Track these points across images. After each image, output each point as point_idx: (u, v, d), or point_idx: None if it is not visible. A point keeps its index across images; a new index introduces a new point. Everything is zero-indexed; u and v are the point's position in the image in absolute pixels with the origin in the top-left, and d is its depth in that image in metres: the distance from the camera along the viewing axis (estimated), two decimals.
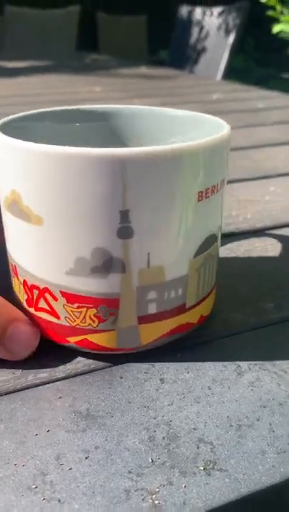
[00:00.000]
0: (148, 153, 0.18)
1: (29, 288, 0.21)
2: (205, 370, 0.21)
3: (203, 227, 0.21)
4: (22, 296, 0.22)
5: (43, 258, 0.20)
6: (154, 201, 0.19)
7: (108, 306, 0.20)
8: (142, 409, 0.19)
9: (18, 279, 0.22)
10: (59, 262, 0.20)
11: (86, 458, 0.17)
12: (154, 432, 0.18)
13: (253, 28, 2.40)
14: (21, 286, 0.22)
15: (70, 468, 0.17)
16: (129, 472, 0.17)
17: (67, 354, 0.22)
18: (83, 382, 0.21)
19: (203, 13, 1.70)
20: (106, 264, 0.20)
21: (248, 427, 0.19)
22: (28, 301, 0.22)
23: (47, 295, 0.21)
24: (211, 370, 0.21)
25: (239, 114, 0.76)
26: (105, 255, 0.19)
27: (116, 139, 0.27)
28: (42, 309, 0.21)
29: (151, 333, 0.22)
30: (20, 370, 0.21)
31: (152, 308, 0.21)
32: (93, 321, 0.21)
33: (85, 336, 0.21)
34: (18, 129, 0.23)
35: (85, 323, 0.21)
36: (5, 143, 0.19)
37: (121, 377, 0.21)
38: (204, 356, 0.22)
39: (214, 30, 1.63)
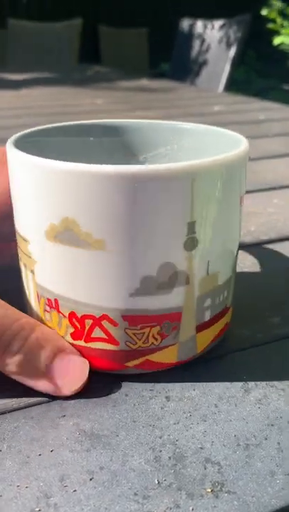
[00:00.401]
0: (215, 163, 0.19)
1: (79, 319, 0.20)
2: (211, 388, 0.21)
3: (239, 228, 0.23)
4: (64, 330, 0.21)
5: (102, 284, 0.19)
6: (215, 209, 0.20)
7: (171, 321, 0.20)
8: (147, 428, 0.19)
9: (59, 313, 0.20)
10: (122, 285, 0.19)
11: (91, 479, 0.17)
12: (160, 451, 0.18)
13: (253, 40, 2.42)
14: (64, 320, 0.20)
15: (75, 490, 0.16)
16: (135, 494, 0.16)
17: None
18: (87, 401, 0.20)
19: (205, 27, 1.72)
20: (172, 279, 0.19)
21: (256, 446, 0.18)
22: (76, 334, 0.20)
23: (104, 322, 0.20)
24: (217, 387, 0.21)
25: (241, 126, 0.76)
26: (171, 269, 0.19)
27: (128, 152, 0.27)
28: (96, 339, 0.20)
29: (205, 340, 0.22)
30: (24, 388, 0.21)
31: (208, 315, 0.21)
32: (156, 340, 0.20)
33: (146, 357, 0.21)
34: (32, 144, 0.23)
35: (147, 343, 0.20)
36: (54, 168, 0.18)
37: (126, 395, 0.21)
38: (210, 373, 0.22)
39: (215, 43, 1.65)
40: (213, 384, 0.21)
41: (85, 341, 0.21)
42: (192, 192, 0.18)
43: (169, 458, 0.18)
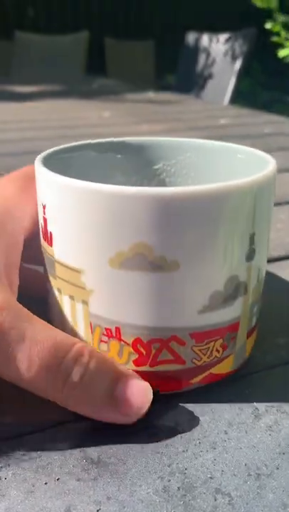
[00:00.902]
0: (270, 177, 0.20)
1: (145, 344, 0.20)
2: (221, 413, 0.21)
3: None
4: (126, 358, 0.20)
5: (172, 305, 0.19)
6: (267, 219, 0.21)
7: (231, 332, 0.21)
8: (155, 456, 0.19)
9: (120, 341, 0.20)
10: (193, 303, 0.19)
11: (98, 510, 0.16)
12: (169, 481, 0.18)
13: (258, 53, 2.44)
14: (127, 348, 0.20)
15: None
16: None
17: None
18: (94, 426, 0.20)
19: (210, 40, 1.73)
20: (235, 291, 0.20)
21: (268, 476, 0.18)
22: (140, 360, 0.20)
23: (172, 343, 0.20)
24: (226, 412, 0.21)
25: (246, 140, 0.76)
26: (236, 281, 0.20)
27: (150, 169, 0.27)
28: (162, 362, 0.20)
29: (250, 345, 0.23)
30: (29, 412, 0.21)
31: (254, 321, 0.23)
32: (218, 352, 0.21)
33: (209, 371, 0.21)
34: (59, 161, 0.23)
35: (211, 357, 0.21)
36: (129, 194, 0.17)
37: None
38: (219, 397, 0.21)
39: (221, 56, 1.66)
40: (223, 409, 0.21)
41: (150, 365, 0.20)
42: (255, 205, 0.19)
43: (178, 488, 0.17)
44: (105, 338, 0.20)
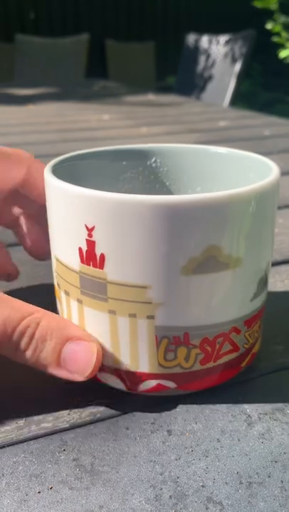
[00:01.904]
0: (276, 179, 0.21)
1: (211, 342, 0.20)
2: (213, 421, 0.21)
3: None
4: (192, 360, 0.21)
5: (235, 298, 0.21)
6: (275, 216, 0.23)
7: (262, 313, 0.23)
8: (148, 464, 0.19)
9: (188, 345, 0.20)
10: (248, 293, 0.21)
11: None
12: (161, 489, 0.18)
13: (259, 53, 2.44)
14: (194, 350, 0.20)
15: None
16: None
17: (72, 401, 0.22)
18: (88, 434, 0.20)
19: (210, 42, 1.73)
20: (267, 276, 0.22)
21: (259, 484, 0.18)
22: (206, 358, 0.21)
23: (232, 334, 0.21)
24: (219, 420, 0.21)
25: (246, 142, 0.76)
26: (268, 264, 0.22)
27: (155, 175, 0.28)
28: (224, 354, 0.21)
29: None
30: (24, 419, 0.21)
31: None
32: (257, 333, 0.23)
33: (251, 352, 0.23)
34: (67, 169, 0.23)
35: (253, 338, 0.23)
36: (206, 201, 0.18)
37: (127, 429, 0.20)
38: (212, 405, 0.22)
39: (221, 58, 1.66)
40: (216, 417, 0.21)
41: (214, 361, 0.21)
42: (275, 201, 0.21)
43: (170, 497, 0.17)
44: (172, 347, 0.20)
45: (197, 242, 0.19)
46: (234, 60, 1.58)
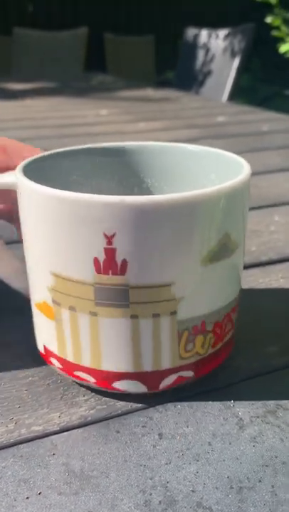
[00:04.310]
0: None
1: (221, 324, 0.22)
2: (205, 424, 0.21)
3: None
4: (207, 345, 0.22)
5: (236, 279, 0.23)
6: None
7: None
8: (138, 469, 0.19)
9: (204, 332, 0.21)
10: (241, 272, 0.23)
11: None
12: (151, 494, 0.17)
13: (258, 47, 2.42)
14: (209, 335, 0.22)
15: None
16: None
17: (63, 404, 0.21)
18: (78, 437, 0.20)
19: (209, 36, 1.72)
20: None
21: (249, 489, 0.18)
22: (217, 340, 0.22)
23: (232, 314, 0.23)
24: (211, 423, 0.21)
25: (243, 138, 0.76)
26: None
27: (131, 173, 0.28)
28: (227, 332, 0.23)
29: None
30: (14, 423, 0.21)
31: None
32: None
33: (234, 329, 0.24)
34: (35, 171, 0.23)
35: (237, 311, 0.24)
36: (217, 193, 0.19)
37: (117, 432, 0.20)
38: (204, 407, 0.21)
39: (220, 52, 1.65)
40: (208, 420, 0.21)
41: (221, 341, 0.23)
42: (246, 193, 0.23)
43: (160, 502, 0.17)
44: (191, 337, 0.21)
45: (213, 233, 0.20)
46: (233, 55, 1.57)
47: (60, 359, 0.22)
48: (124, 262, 0.19)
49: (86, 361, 0.21)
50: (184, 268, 0.20)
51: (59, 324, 0.21)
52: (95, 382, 0.21)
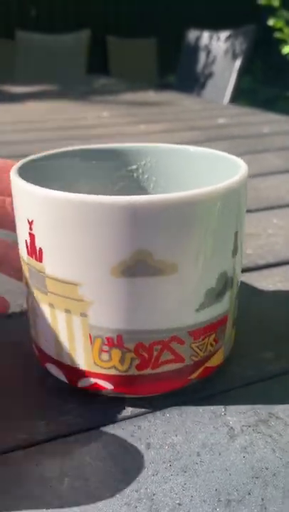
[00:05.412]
0: (244, 179, 0.21)
1: (148, 348, 0.20)
2: (194, 433, 0.20)
3: None
4: (128, 364, 0.20)
5: (173, 306, 0.20)
6: (244, 218, 0.22)
7: (222, 325, 0.22)
8: (124, 480, 0.18)
9: (122, 348, 0.20)
10: (191, 302, 0.20)
11: None
12: (136, 507, 0.17)
13: (260, 49, 2.42)
14: (129, 354, 0.20)
15: None
16: None
17: (50, 413, 0.21)
18: (64, 446, 0.19)
19: (210, 38, 1.72)
20: (225, 285, 0.21)
21: (238, 502, 0.17)
22: (143, 364, 0.20)
23: (173, 343, 0.20)
24: (200, 432, 0.20)
25: (244, 140, 0.75)
26: (225, 277, 0.21)
27: (128, 174, 0.27)
28: (164, 362, 0.21)
29: (234, 334, 0.24)
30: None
31: (236, 312, 0.24)
32: (212, 346, 0.22)
33: (205, 365, 0.22)
34: (36, 170, 0.23)
35: (206, 351, 0.22)
36: (129, 203, 0.18)
37: (105, 442, 0.20)
38: (194, 416, 0.21)
39: (221, 54, 1.64)
40: (197, 429, 0.20)
41: (152, 368, 0.21)
42: (239, 205, 0.21)
43: None
44: (106, 348, 0.20)
45: (126, 245, 0.19)
46: (235, 57, 1.56)
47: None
48: (41, 250, 0.20)
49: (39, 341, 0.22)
50: (91, 272, 0.19)
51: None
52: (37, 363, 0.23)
